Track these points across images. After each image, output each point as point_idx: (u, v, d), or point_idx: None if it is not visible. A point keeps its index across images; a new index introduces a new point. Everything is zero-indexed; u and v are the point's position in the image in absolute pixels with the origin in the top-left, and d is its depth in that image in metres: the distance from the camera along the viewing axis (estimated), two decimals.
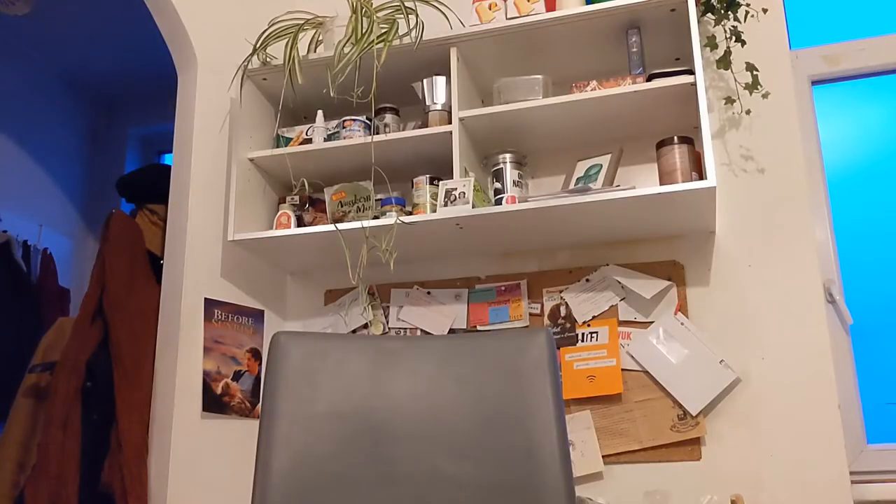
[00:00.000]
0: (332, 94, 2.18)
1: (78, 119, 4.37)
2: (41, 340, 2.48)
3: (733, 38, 2.15)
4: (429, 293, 2.41)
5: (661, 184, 2.00)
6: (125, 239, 2.35)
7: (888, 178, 2.36)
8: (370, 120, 2.30)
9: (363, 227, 2.12)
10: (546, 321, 2.28)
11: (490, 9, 2.21)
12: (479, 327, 2.34)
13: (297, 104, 2.48)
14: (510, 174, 2.17)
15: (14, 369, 3.06)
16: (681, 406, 2.10)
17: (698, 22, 2.03)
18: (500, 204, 2.11)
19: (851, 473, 2.01)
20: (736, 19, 2.16)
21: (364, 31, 2.18)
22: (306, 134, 2.36)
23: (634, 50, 2.12)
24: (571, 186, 2.15)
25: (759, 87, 2.13)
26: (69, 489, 2.07)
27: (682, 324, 2.15)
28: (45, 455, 2.09)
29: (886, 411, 2.20)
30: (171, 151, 2.37)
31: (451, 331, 2.35)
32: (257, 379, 2.35)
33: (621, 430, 2.14)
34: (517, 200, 2.09)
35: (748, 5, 2.19)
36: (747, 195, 2.20)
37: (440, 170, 2.27)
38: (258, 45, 2.30)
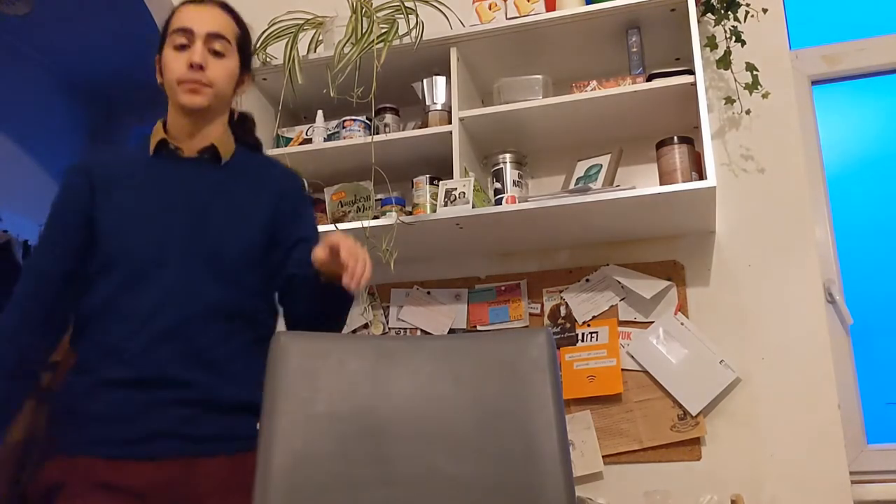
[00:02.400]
0: (332, 94, 2.18)
1: (78, 119, 4.37)
2: None
3: (733, 38, 2.15)
4: (429, 293, 2.41)
5: (661, 184, 2.00)
6: None
7: (888, 177, 2.36)
8: (370, 120, 2.30)
9: (363, 227, 2.12)
10: (546, 321, 2.28)
11: (490, 9, 2.21)
12: (478, 327, 2.34)
13: (297, 104, 2.48)
14: (510, 174, 2.17)
15: None
16: (681, 406, 2.10)
17: (698, 22, 2.03)
18: (500, 204, 2.11)
19: (851, 473, 2.01)
20: (736, 19, 2.16)
21: (364, 31, 2.18)
22: (306, 134, 2.36)
23: (634, 50, 2.12)
24: (571, 186, 2.15)
25: (759, 87, 2.13)
26: None
27: (682, 324, 2.15)
28: None
29: (886, 411, 2.20)
30: None
31: (451, 331, 2.35)
32: None
33: (621, 430, 2.14)
34: (517, 200, 2.09)
35: (748, 5, 2.19)
36: (747, 195, 2.20)
37: (440, 170, 2.27)
38: (258, 45, 2.30)
